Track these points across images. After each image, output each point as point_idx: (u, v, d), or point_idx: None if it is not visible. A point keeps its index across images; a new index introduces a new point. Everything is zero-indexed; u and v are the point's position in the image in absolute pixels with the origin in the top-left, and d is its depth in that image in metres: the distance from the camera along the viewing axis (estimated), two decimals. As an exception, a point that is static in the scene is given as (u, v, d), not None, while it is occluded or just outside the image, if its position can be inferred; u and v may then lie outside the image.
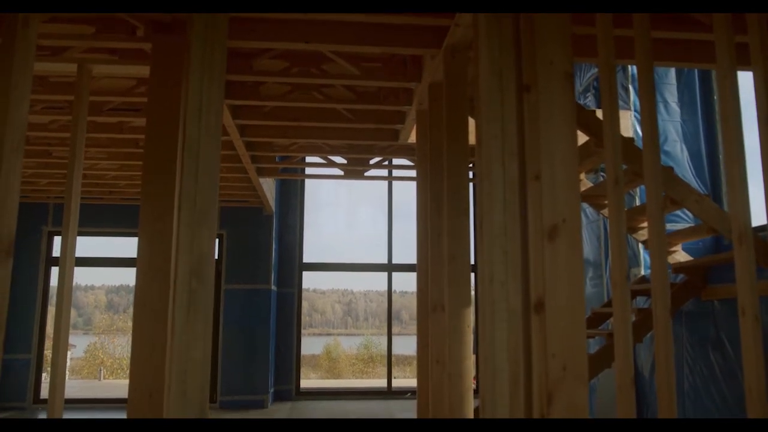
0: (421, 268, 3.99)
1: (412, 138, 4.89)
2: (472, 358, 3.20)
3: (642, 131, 2.36)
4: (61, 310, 3.14)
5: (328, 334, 28.34)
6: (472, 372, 3.21)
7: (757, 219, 3.94)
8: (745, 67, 2.87)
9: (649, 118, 2.36)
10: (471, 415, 3.10)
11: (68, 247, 3.25)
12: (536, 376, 1.77)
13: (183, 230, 1.84)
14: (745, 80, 2.87)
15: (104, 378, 16.66)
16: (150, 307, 2.82)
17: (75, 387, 11.71)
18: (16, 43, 2.02)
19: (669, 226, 5.04)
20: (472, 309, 3.20)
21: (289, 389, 8.89)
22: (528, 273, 1.89)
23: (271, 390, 8.59)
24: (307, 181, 9.64)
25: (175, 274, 1.92)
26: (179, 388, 1.74)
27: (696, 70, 5.48)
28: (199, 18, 1.98)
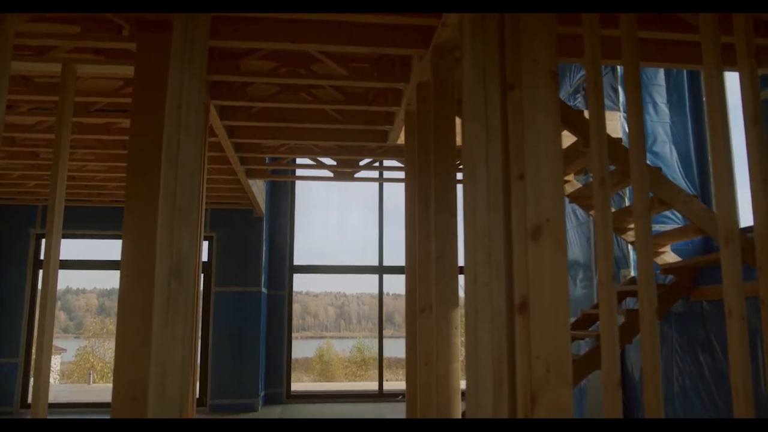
0: (410, 269, 3.97)
1: (402, 139, 4.88)
2: (461, 359, 3.18)
3: (628, 131, 2.35)
4: (45, 312, 3.11)
5: (321, 337, 28.22)
6: (460, 374, 3.19)
7: (748, 220, 3.94)
8: (732, 67, 2.88)
9: (635, 118, 2.36)
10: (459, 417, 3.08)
11: (52, 249, 3.21)
12: (520, 377, 1.75)
13: (162, 229, 1.81)
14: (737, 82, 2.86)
15: (94, 382, 16.53)
16: (134, 309, 2.78)
17: (64, 391, 11.60)
18: (-7, 40, 1.98)
19: (658, 227, 5.04)
20: (460, 310, 3.17)
21: (279, 392, 8.85)
22: (512, 273, 1.87)
23: (262, 393, 8.54)
24: (298, 184, 9.60)
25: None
26: (157, 390, 1.71)
27: (685, 72, 5.50)
28: (180, 14, 1.95)
